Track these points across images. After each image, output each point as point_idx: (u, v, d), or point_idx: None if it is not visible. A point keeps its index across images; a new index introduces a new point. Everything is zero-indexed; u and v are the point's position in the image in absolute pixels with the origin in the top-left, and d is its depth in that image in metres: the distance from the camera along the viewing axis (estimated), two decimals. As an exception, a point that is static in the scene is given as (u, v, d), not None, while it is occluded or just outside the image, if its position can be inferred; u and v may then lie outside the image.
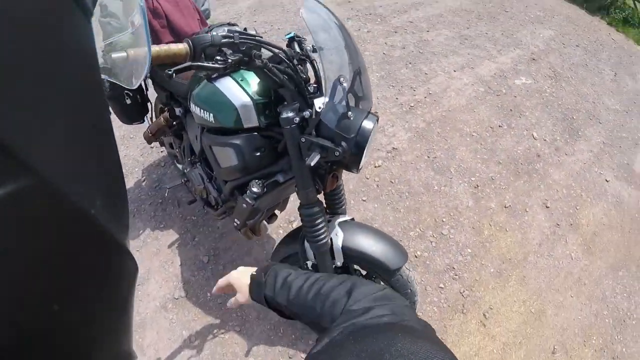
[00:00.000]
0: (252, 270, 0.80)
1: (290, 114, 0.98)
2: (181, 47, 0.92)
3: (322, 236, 1.13)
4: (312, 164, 0.95)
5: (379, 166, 2.62)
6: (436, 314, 1.80)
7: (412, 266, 1.56)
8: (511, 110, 3.35)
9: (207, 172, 1.56)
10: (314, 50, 1.02)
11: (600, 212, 2.61)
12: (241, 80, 1.11)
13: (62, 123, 0.30)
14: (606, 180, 2.91)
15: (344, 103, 0.93)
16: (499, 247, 2.17)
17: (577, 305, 2.00)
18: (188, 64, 0.89)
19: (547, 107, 3.52)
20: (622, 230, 2.54)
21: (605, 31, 5.96)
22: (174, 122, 1.70)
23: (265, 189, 1.20)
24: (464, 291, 1.91)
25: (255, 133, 1.15)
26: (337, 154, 0.95)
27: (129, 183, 2.49)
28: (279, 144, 1.17)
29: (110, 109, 1.75)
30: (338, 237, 1.16)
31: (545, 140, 3.10)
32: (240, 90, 1.10)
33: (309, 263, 1.28)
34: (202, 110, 1.20)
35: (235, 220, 1.32)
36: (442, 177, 2.55)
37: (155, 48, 0.91)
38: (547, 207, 2.50)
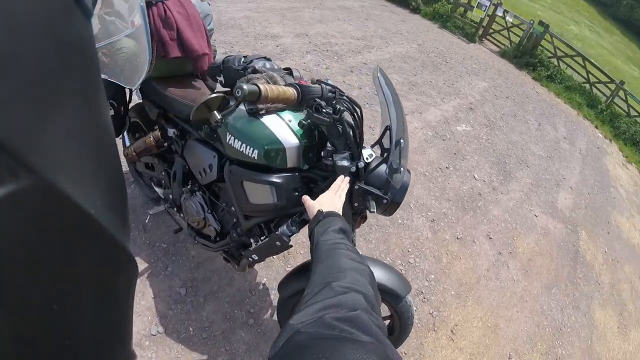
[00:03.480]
0: (332, 207, 1.02)
1: (346, 163, 1.17)
2: (291, 92, 1.04)
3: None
4: (374, 210, 1.16)
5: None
6: (413, 333, 2.23)
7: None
8: (455, 153, 4.16)
9: (211, 203, 1.66)
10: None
11: (533, 241, 3.40)
12: (289, 121, 1.28)
13: (62, 123, 0.32)
14: (535, 215, 3.77)
15: (397, 160, 1.16)
16: (456, 273, 2.73)
17: (522, 319, 2.61)
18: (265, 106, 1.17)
19: (484, 152, 4.43)
20: (551, 256, 3.34)
21: (530, 85, 7.58)
22: (165, 144, 1.76)
23: (299, 228, 1.37)
24: (432, 312, 2.38)
25: (297, 174, 1.29)
26: (385, 201, 1.17)
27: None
28: (316, 186, 1.32)
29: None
30: None
31: (484, 181, 3.91)
32: (289, 132, 1.25)
33: None
34: (242, 144, 1.29)
35: (254, 256, 1.50)
36: (404, 212, 3.11)
37: (268, 86, 1.00)
38: (490, 238, 3.19)
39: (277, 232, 1.37)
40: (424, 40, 7.35)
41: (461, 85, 5.83)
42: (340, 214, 1.01)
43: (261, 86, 1.02)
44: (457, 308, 2.47)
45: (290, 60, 4.66)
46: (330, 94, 1.13)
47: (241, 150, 1.30)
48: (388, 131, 1.21)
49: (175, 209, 1.92)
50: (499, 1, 8.74)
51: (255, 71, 1.37)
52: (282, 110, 1.27)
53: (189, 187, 1.75)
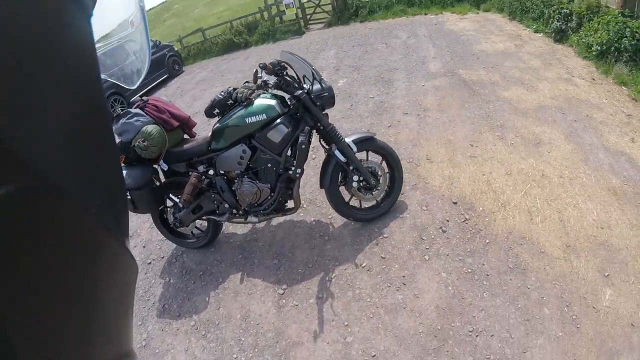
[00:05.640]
0: None
1: (300, 91, 2.43)
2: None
3: (341, 137, 2.58)
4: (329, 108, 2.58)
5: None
6: (410, 173, 3.32)
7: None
8: (349, 95, 5.54)
9: (255, 175, 2.64)
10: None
11: (431, 96, 4.78)
12: (265, 95, 2.53)
13: (62, 123, 0.34)
14: (422, 85, 5.19)
15: (319, 77, 2.54)
16: (404, 138, 3.92)
17: (461, 128, 3.92)
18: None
19: (365, 82, 5.83)
20: (450, 94, 4.74)
21: (362, 27, 9.37)
22: (203, 177, 2.67)
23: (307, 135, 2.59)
24: (410, 160, 3.54)
25: (285, 113, 2.51)
26: (327, 94, 2.53)
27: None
28: (298, 114, 2.51)
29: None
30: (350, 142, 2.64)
31: (378, 94, 5.29)
32: (270, 99, 2.51)
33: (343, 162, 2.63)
34: (256, 116, 2.45)
35: (298, 170, 2.55)
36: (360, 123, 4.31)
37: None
38: (406, 113, 4.47)
39: (299, 143, 2.53)
40: (274, 57, 9.02)
41: (320, 62, 7.40)
42: None
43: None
44: (419, 149, 3.70)
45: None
46: (277, 69, 2.46)
47: (257, 119, 2.49)
48: (310, 73, 2.56)
49: (234, 211, 2.79)
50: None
51: (234, 89, 2.60)
52: (259, 94, 2.56)
53: (236, 182, 2.66)
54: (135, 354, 0.55)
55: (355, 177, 2.71)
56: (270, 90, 2.55)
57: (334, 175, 2.71)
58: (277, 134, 2.51)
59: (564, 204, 2.77)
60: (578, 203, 2.75)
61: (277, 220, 3.21)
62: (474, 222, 2.75)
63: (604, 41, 4.98)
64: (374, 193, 2.83)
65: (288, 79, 2.50)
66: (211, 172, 2.74)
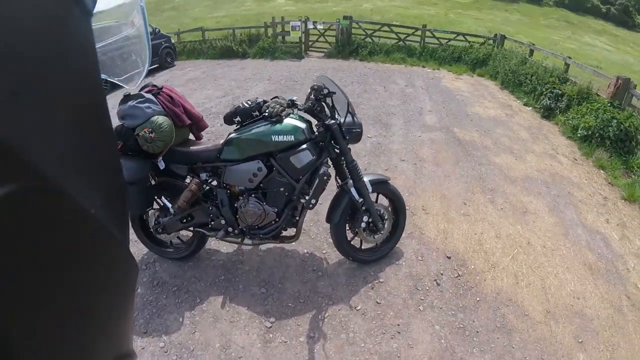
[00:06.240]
0: None
1: (332, 122, 2.41)
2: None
3: (362, 175, 2.59)
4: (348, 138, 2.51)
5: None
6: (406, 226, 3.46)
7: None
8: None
9: (263, 196, 2.54)
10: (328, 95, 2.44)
11: (428, 148, 5.01)
12: (294, 116, 2.45)
13: (62, 123, 0.35)
14: (419, 135, 5.45)
15: (353, 111, 2.57)
16: (400, 186, 4.05)
17: (455, 185, 4.12)
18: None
19: (362, 120, 6.10)
20: (445, 149, 5.00)
21: (361, 66, 9.69)
22: (204, 185, 2.53)
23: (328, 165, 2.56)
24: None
25: (312, 139, 2.46)
26: (357, 130, 2.55)
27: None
28: (323, 142, 2.48)
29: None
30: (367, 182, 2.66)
31: (376, 135, 5.48)
32: (298, 121, 2.44)
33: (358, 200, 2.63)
34: (284, 136, 2.37)
35: (313, 200, 2.48)
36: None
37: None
38: (402, 160, 4.65)
39: (320, 173, 2.48)
40: (270, 75, 9.26)
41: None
42: None
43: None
44: (415, 198, 3.84)
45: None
46: (322, 94, 2.46)
47: (283, 139, 2.40)
48: (345, 104, 2.57)
49: (230, 229, 2.64)
50: (306, 17, 11.47)
51: (264, 102, 2.50)
52: (290, 113, 2.50)
53: (241, 199, 2.54)
54: (136, 354, 0.55)
55: (365, 218, 2.72)
56: (296, 112, 2.53)
57: (345, 211, 2.70)
58: (301, 159, 2.44)
59: (546, 272, 2.99)
60: (558, 273, 2.99)
61: (267, 245, 3.09)
62: (466, 279, 2.87)
63: (591, 126, 5.45)
64: (376, 236, 2.85)
65: (324, 105, 2.50)
66: (214, 182, 2.63)
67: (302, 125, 2.45)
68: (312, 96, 2.47)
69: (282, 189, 2.53)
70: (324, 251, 3.13)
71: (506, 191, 4.11)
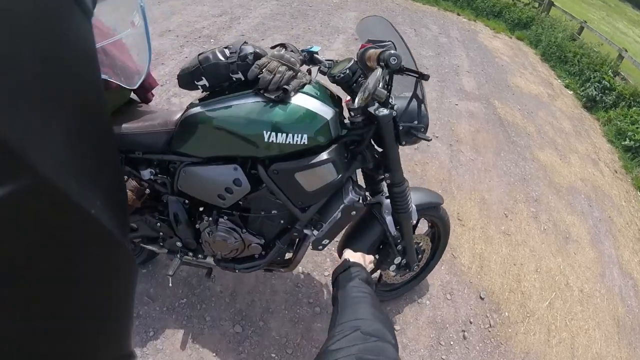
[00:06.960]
0: (355, 260, 1.17)
1: (387, 112, 1.29)
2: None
3: (410, 205, 1.58)
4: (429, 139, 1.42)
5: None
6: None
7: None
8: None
9: (243, 220, 1.56)
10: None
11: (466, 124, 4.11)
12: (316, 94, 1.29)
13: (62, 123, 0.34)
14: (455, 104, 4.51)
15: (422, 94, 1.40)
16: (432, 175, 3.26)
17: (496, 184, 3.33)
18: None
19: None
20: (485, 129, 4.10)
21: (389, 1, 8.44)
22: (146, 190, 1.56)
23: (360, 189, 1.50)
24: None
25: (341, 141, 1.37)
26: (423, 129, 1.41)
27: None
28: (357, 144, 1.43)
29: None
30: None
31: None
32: (322, 104, 1.29)
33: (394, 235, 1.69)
34: (287, 135, 1.25)
35: (325, 241, 1.53)
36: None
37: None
38: (436, 136, 3.80)
39: (345, 204, 1.42)
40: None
41: (336, 22, 6.33)
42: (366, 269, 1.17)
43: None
44: (450, 200, 3.01)
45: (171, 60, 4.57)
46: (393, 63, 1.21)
47: (287, 142, 1.26)
48: (413, 82, 1.36)
49: (191, 253, 1.73)
50: None
51: (257, 56, 1.26)
52: (304, 84, 1.30)
53: (205, 220, 1.56)
54: (136, 355, 0.53)
55: (397, 260, 1.80)
56: (315, 81, 1.36)
57: (371, 248, 1.71)
58: (318, 177, 1.35)
59: (578, 326, 2.48)
60: (589, 329, 2.50)
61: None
62: (497, 331, 2.23)
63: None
64: (405, 275, 1.99)
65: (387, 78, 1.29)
66: (163, 184, 1.54)
67: (326, 113, 1.29)
68: (365, 58, 1.31)
69: (274, 214, 1.51)
70: (326, 272, 2.27)
71: (550, 204, 3.38)
